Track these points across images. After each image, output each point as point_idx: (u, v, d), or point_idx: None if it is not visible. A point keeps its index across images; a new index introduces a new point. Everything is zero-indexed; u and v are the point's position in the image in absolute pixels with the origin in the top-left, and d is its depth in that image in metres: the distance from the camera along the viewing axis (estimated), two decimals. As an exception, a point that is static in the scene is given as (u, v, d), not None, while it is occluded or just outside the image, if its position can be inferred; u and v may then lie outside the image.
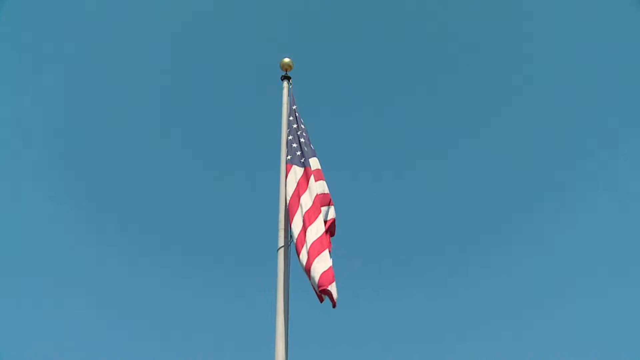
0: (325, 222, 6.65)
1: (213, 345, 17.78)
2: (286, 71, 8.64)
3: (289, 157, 7.41)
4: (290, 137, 7.72)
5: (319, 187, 6.98)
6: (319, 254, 6.09)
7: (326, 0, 23.61)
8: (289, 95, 8.39)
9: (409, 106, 23.25)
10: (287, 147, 7.62)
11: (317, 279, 5.84)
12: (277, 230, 6.81)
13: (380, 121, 23.24)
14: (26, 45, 19.58)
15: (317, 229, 6.40)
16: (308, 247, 6.18)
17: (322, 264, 6.00)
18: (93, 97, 21.30)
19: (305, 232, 6.36)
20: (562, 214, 20.40)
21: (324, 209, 6.79)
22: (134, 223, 20.66)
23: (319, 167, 7.32)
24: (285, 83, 8.54)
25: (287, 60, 8.65)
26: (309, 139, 7.74)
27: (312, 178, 7.02)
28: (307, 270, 6.00)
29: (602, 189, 20.05)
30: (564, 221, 20.29)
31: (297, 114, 8.11)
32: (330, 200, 7.00)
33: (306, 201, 6.76)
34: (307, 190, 6.92)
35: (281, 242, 6.65)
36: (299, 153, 7.44)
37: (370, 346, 16.97)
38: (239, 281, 19.61)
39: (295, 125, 7.90)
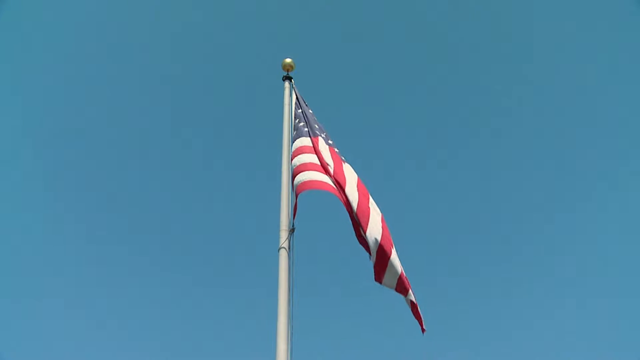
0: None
1: (213, 346, 17.77)
2: (287, 71, 8.60)
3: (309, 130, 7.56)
4: (297, 121, 7.78)
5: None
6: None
7: (327, 0, 23.63)
8: (290, 95, 8.33)
9: (412, 107, 23.25)
10: (294, 128, 7.67)
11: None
12: (278, 230, 6.74)
13: (382, 122, 23.23)
14: (26, 44, 19.58)
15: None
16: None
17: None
18: (93, 98, 21.32)
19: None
20: (563, 215, 20.40)
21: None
22: (134, 223, 20.68)
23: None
24: (286, 83, 8.48)
25: (288, 60, 8.61)
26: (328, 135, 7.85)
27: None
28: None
29: (603, 189, 20.05)
30: (565, 221, 20.30)
31: (305, 105, 8.16)
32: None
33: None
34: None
35: (282, 242, 6.56)
36: (306, 129, 7.55)
37: (371, 346, 16.96)
38: (240, 282, 19.60)
39: (301, 111, 7.97)
